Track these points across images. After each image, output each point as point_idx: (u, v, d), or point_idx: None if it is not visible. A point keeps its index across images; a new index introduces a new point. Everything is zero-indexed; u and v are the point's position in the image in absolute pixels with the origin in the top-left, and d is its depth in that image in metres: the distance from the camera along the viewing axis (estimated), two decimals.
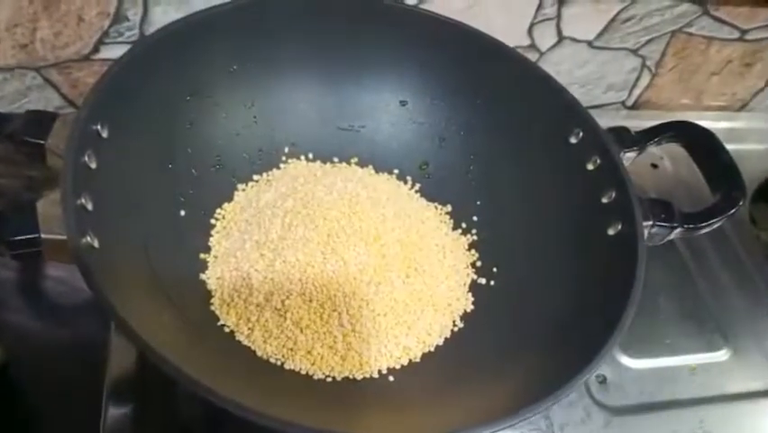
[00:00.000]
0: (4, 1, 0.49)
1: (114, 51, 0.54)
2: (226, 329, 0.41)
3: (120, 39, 0.54)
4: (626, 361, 0.52)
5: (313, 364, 0.41)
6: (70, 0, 0.51)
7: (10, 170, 0.42)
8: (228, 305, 0.42)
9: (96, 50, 0.54)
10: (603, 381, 0.51)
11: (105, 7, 0.52)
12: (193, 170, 0.46)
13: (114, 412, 0.41)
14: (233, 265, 0.44)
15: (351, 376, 0.41)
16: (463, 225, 0.51)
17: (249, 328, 0.41)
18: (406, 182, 0.52)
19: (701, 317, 0.56)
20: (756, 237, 0.61)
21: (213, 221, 0.47)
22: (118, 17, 0.53)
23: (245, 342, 0.41)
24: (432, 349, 0.44)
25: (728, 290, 0.59)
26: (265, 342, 0.41)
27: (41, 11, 0.51)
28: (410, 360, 0.43)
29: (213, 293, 0.43)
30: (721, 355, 0.54)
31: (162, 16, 0.53)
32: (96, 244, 0.35)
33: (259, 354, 0.41)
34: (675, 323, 0.56)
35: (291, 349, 0.41)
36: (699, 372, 0.53)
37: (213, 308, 0.42)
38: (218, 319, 0.42)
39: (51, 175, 0.37)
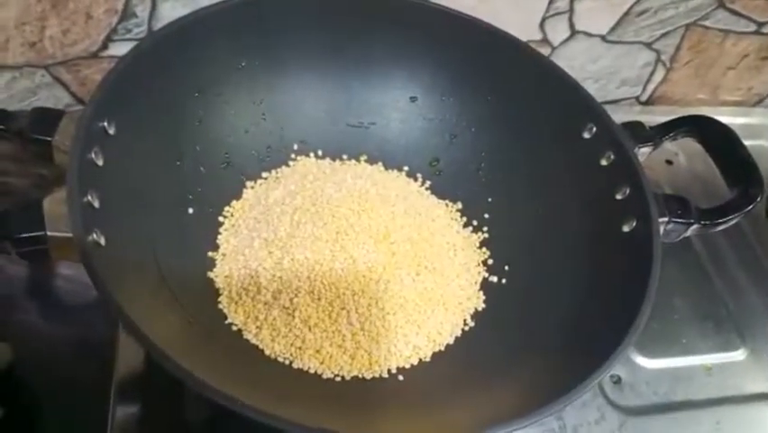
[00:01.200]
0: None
1: (122, 48, 0.54)
2: (234, 328, 0.41)
3: (128, 35, 0.54)
4: (640, 361, 0.51)
5: (321, 363, 0.40)
6: None
7: (17, 167, 0.41)
8: (236, 303, 0.42)
9: (104, 47, 0.54)
10: (618, 381, 0.50)
11: (114, 4, 0.52)
12: (201, 168, 0.46)
13: (122, 412, 0.40)
14: (241, 263, 0.43)
15: (360, 376, 0.41)
16: (474, 223, 0.50)
17: (257, 327, 0.41)
18: (416, 179, 0.52)
19: (718, 317, 0.55)
20: None
21: (221, 219, 0.46)
22: (126, 14, 0.52)
23: (253, 341, 0.41)
24: (442, 348, 0.43)
25: (745, 288, 0.58)
26: (273, 340, 0.40)
27: (50, 9, 0.50)
28: (420, 359, 0.42)
29: (221, 291, 0.42)
30: (738, 355, 0.53)
31: (171, 12, 0.53)
32: (102, 241, 0.34)
33: (267, 352, 0.40)
34: (691, 322, 0.55)
35: (300, 348, 0.40)
36: (715, 372, 0.52)
37: (221, 306, 0.42)
38: (226, 318, 0.41)
39: (58, 173, 0.37)
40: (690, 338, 0.53)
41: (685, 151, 0.66)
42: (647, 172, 0.43)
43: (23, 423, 0.42)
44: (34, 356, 0.43)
